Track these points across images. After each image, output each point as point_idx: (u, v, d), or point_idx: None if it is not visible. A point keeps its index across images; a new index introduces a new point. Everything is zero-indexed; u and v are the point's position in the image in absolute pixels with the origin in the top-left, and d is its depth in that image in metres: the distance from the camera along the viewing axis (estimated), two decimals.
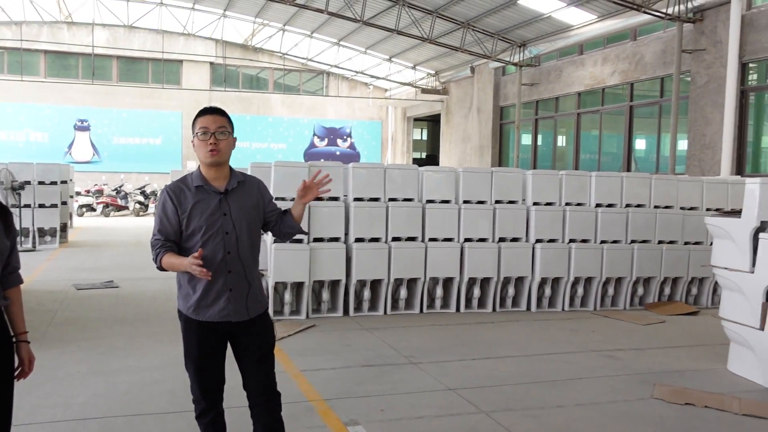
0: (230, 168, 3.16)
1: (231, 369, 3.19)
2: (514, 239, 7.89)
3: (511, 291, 7.86)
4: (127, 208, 22.51)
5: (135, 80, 26.97)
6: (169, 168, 23.42)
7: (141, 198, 22.79)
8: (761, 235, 5.27)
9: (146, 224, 18.73)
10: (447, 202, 7.77)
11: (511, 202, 7.98)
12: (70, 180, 15.14)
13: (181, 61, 27.19)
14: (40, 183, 12.69)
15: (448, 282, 7.75)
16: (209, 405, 3.17)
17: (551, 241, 7.95)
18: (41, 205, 12.59)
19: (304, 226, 6.92)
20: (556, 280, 8.01)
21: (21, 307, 2.71)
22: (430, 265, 7.51)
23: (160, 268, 3.04)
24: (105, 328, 6.53)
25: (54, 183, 12.86)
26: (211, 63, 27.65)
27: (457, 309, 7.72)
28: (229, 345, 3.21)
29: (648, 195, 8.46)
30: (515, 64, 19.82)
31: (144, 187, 23.84)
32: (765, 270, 5.17)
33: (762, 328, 5.16)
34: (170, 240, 3.04)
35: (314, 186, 3.17)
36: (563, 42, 17.84)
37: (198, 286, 3.02)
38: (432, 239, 7.60)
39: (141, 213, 22.33)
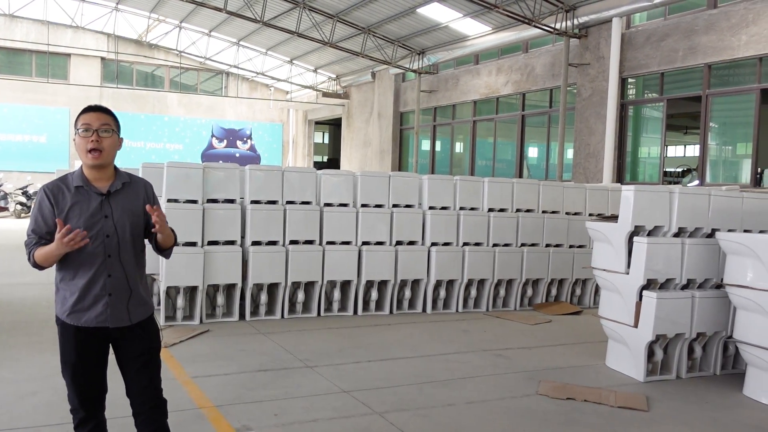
0: (115, 168, 3.04)
1: (115, 376, 3.06)
2: (411, 242, 8.04)
3: (407, 293, 8.00)
4: (7, 209, 21.03)
5: (16, 73, 25.30)
6: (54, 167, 21.98)
7: (23, 199, 21.36)
8: (635, 238, 5.66)
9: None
10: (345, 205, 7.81)
11: (408, 206, 8.13)
12: None
13: (69, 55, 25.78)
14: None
15: (345, 285, 7.79)
16: (88, 414, 3.04)
17: (446, 244, 8.17)
18: None
19: (198, 229, 6.78)
20: (450, 282, 8.23)
21: None
22: (328, 268, 7.52)
23: (35, 265, 2.89)
24: None
25: None
26: (102, 58, 26.39)
27: (355, 312, 7.77)
28: (112, 350, 3.09)
29: (537, 200, 8.87)
30: (414, 71, 20.22)
31: (26, 187, 22.31)
32: (638, 271, 5.56)
33: (635, 326, 5.54)
34: (43, 241, 2.90)
35: (160, 220, 2.93)
36: (460, 51, 18.39)
37: (74, 289, 2.90)
38: (330, 242, 7.61)
39: (23, 215, 20.93)
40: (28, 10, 24.13)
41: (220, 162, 27.12)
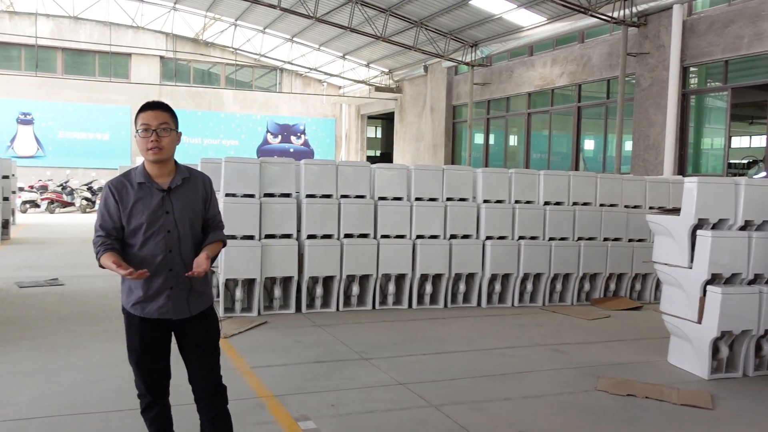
0: (175, 163, 3.12)
1: (179, 364, 3.16)
2: (465, 236, 8.00)
3: (462, 287, 7.97)
4: (73, 204, 21.89)
5: (81, 73, 26.23)
6: (117, 163, 22.80)
7: (88, 194, 22.19)
8: (698, 232, 5.48)
9: (92, 221, 18.23)
10: (399, 199, 7.83)
11: (462, 199, 8.09)
12: (12, 175, 14.65)
13: (129, 55, 26.57)
14: None
15: (400, 278, 7.81)
16: (154, 399, 3.17)
17: (501, 238, 8.09)
18: None
19: (255, 223, 6.92)
20: (505, 276, 8.15)
21: None
22: (383, 262, 7.56)
23: (101, 267, 3.00)
24: (49, 326, 6.36)
25: None
26: (161, 57, 27.10)
27: (409, 305, 7.78)
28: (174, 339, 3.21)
29: (594, 193, 8.69)
30: (467, 64, 20.06)
31: (91, 183, 23.20)
32: (702, 266, 5.38)
33: (699, 322, 5.38)
34: (111, 237, 3.00)
35: (196, 268, 2.96)
36: (514, 43, 18.14)
37: (138, 282, 2.98)
38: (384, 236, 7.64)
39: (88, 209, 21.74)
40: (92, 12, 24.98)
41: (275, 157, 27.57)
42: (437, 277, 7.91)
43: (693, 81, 13.69)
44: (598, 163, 16.38)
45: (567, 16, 15.93)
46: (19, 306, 7.20)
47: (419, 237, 7.77)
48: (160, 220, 2.98)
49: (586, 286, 8.49)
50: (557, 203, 8.46)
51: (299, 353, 5.66)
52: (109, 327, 6.34)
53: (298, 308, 7.38)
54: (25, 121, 25.22)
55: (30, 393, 4.46)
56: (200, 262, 2.98)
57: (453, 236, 7.93)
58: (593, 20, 14.82)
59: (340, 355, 5.66)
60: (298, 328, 6.63)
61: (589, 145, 17.35)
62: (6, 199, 13.14)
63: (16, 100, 24.88)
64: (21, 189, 20.43)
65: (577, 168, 16.63)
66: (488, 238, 8.03)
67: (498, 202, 8.20)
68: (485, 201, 8.13)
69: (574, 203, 8.56)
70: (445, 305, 7.93)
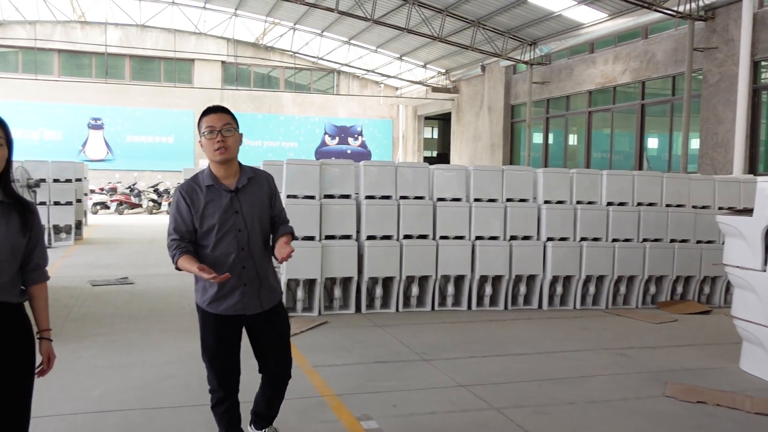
0: (239, 164, 3.24)
1: (248, 361, 3.25)
2: (526, 237, 7.90)
3: (522, 289, 7.88)
4: (140, 205, 22.69)
5: (147, 79, 27.16)
6: (181, 166, 23.58)
7: (154, 196, 22.96)
8: None
9: (159, 222, 18.87)
10: (458, 200, 7.80)
11: (522, 200, 8.00)
12: (84, 178, 15.28)
13: (192, 60, 27.34)
14: (55, 181, 12.82)
15: (459, 280, 7.78)
16: (226, 394, 3.31)
17: (562, 239, 7.96)
18: (56, 203, 12.72)
19: (315, 225, 7.02)
20: (567, 278, 8.01)
21: (46, 304, 2.72)
22: (442, 263, 7.55)
23: (177, 269, 3.11)
24: (120, 323, 6.62)
25: (69, 181, 12.98)
26: (223, 62, 27.78)
27: (469, 307, 7.74)
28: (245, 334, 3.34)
29: (660, 193, 8.45)
30: (526, 63, 19.80)
31: (157, 185, 24.02)
32: None
33: None
34: (185, 240, 3.12)
35: (286, 253, 3.06)
36: (574, 40, 17.80)
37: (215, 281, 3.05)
38: (443, 237, 7.63)
39: (154, 211, 22.49)
40: (157, 20, 25.83)
41: (333, 158, 27.74)
42: (497, 279, 7.84)
43: (765, 76, 13.13)
44: (663, 162, 15.90)
45: (630, 11, 15.53)
46: (93, 303, 7.52)
47: (478, 238, 7.72)
48: (231, 220, 3.10)
49: (652, 289, 8.26)
50: (621, 204, 8.27)
51: (360, 353, 5.72)
52: (176, 325, 6.54)
53: (358, 308, 7.44)
54: (96, 126, 26.28)
55: (105, 387, 4.65)
56: (283, 248, 3.08)
57: (513, 237, 7.85)
58: (658, 15, 14.40)
59: (400, 355, 5.68)
60: (358, 328, 6.69)
61: (653, 143, 16.86)
62: (79, 201, 13.73)
63: (87, 106, 25.95)
64: (92, 191, 21.31)
65: (640, 167, 16.18)
66: (549, 239, 7.91)
67: (559, 202, 8.07)
68: (546, 202, 8.02)
69: (639, 204, 8.34)
70: (505, 307, 7.86)
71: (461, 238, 7.69)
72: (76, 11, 24.97)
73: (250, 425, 3.60)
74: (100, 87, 25.72)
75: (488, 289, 7.75)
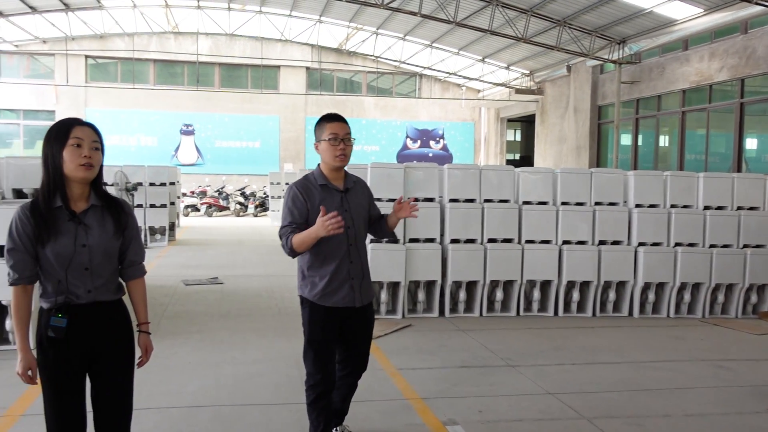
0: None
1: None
2: (615, 242, 7.64)
3: (611, 295, 7.61)
4: (228, 208, 23.48)
5: (235, 86, 28.08)
6: (267, 170, 24.22)
7: (241, 199, 23.71)
8: None
9: (246, 224, 19.48)
10: (544, 203, 7.63)
11: (611, 203, 7.73)
12: (177, 181, 15.97)
13: (278, 67, 28.06)
14: (151, 184, 13.47)
15: (545, 285, 7.61)
16: (327, 388, 3.41)
17: (655, 244, 7.64)
18: (152, 205, 13.35)
19: (400, 228, 7.04)
20: (660, 285, 7.68)
21: (143, 298, 2.85)
22: (527, 268, 7.40)
23: (291, 252, 3.26)
24: (211, 321, 6.86)
25: (163, 184, 13.61)
26: (307, 68, 28.36)
27: (555, 313, 7.56)
28: None
29: (762, 197, 7.97)
30: (614, 62, 19.16)
31: (244, 188, 24.79)
32: None
33: None
34: (299, 229, 3.31)
35: (407, 207, 3.44)
36: (666, 38, 17.06)
37: (324, 274, 3.34)
38: (529, 241, 7.49)
39: (241, 213, 23.22)
40: (245, 29, 26.68)
41: (415, 162, 27.79)
42: (585, 284, 7.61)
43: None
44: (764, 164, 14.99)
45: (727, 5, 14.74)
46: (186, 302, 7.83)
47: (566, 242, 7.53)
48: (342, 217, 3.22)
49: (753, 298, 7.79)
50: (719, 207, 7.85)
51: (444, 357, 5.68)
52: (264, 324, 6.72)
53: (441, 312, 7.41)
54: (187, 131, 27.42)
55: (198, 383, 4.83)
56: (403, 206, 3.43)
57: (602, 242, 7.61)
58: (759, 8, 13.59)
59: (485, 360, 5.61)
60: (442, 331, 6.66)
61: (752, 144, 15.92)
62: (172, 203, 14.36)
63: (179, 112, 27.11)
64: (183, 194, 22.24)
65: (739, 169, 15.31)
66: (641, 244, 7.61)
67: (651, 206, 7.75)
68: (637, 205, 7.72)
69: (739, 207, 7.90)
70: (593, 314, 7.62)
71: (548, 242, 7.52)
72: (170, 23, 26.15)
73: None
74: (192, 94, 26.81)
75: (575, 295, 7.53)
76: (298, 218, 3.31)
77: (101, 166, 2.66)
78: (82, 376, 2.66)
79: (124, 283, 2.81)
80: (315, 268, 3.35)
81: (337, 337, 3.44)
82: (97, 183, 2.67)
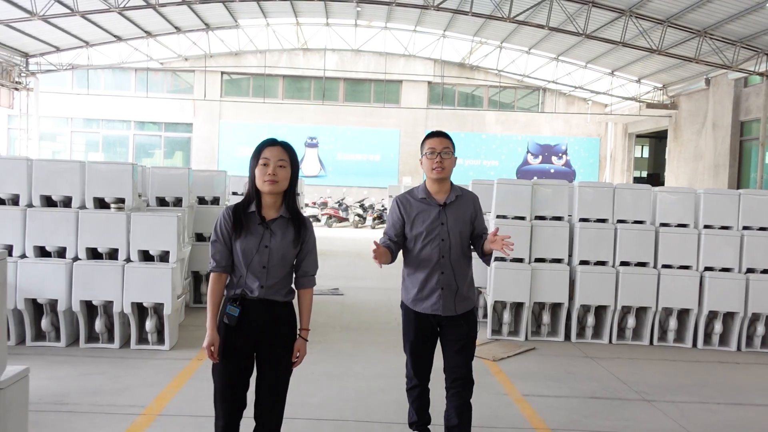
0: (451, 183, 3.70)
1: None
2: (765, 270, 6.96)
3: (760, 329, 6.93)
4: (347, 219, 23.96)
5: (358, 100, 28.72)
6: (386, 183, 24.52)
7: (360, 211, 24.13)
8: None
9: (364, 236, 19.75)
10: (684, 225, 7.11)
11: (762, 228, 7.07)
12: (300, 193, 16.48)
13: (400, 81, 28.40)
14: None
15: (683, 314, 7.06)
16: (419, 381, 3.76)
17: None
18: None
19: (525, 247, 6.81)
20: None
21: (308, 306, 3.19)
22: (663, 294, 6.91)
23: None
24: (333, 333, 6.93)
25: None
26: (429, 82, 28.50)
27: (694, 344, 6.99)
28: None
29: None
30: (761, 74, 17.72)
31: (363, 200, 25.22)
32: None
33: None
34: (392, 240, 3.62)
35: (500, 242, 3.38)
36: None
37: (415, 281, 3.60)
38: (666, 266, 6.99)
39: (359, 225, 23.61)
40: (370, 44, 27.28)
41: (535, 178, 27.15)
42: (729, 315, 6.99)
43: None
44: None
45: None
46: None
47: (708, 269, 6.95)
48: (437, 230, 3.56)
49: None
50: None
51: (572, 386, 5.38)
52: (385, 338, 6.69)
53: (567, 337, 7.06)
54: (312, 144, 28.33)
55: (321, 395, 4.86)
56: (499, 237, 3.41)
57: (750, 270, 6.96)
58: None
59: (617, 392, 5.25)
60: (568, 357, 6.33)
61: None
62: None
63: (305, 126, 28.09)
64: (306, 205, 22.95)
65: None
66: None
67: None
68: None
69: None
70: (738, 348, 6.96)
71: (687, 267, 6.98)
72: (299, 40, 27.22)
73: None
74: (317, 108, 27.71)
75: (718, 327, 6.93)
76: (392, 230, 3.62)
77: (292, 181, 3.03)
78: (248, 361, 3.06)
79: (296, 291, 3.17)
80: (410, 274, 3.65)
81: (434, 339, 3.68)
82: (288, 196, 3.05)
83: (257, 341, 3.03)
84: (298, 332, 3.14)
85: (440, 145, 3.57)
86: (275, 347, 3.06)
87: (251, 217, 3.03)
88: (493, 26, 22.58)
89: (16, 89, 23.52)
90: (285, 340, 3.08)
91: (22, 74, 23.51)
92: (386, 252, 3.44)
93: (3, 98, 23.31)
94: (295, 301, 3.16)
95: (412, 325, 3.65)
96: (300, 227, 3.07)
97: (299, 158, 23.61)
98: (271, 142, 3.03)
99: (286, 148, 3.04)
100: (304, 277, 3.15)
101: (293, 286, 3.15)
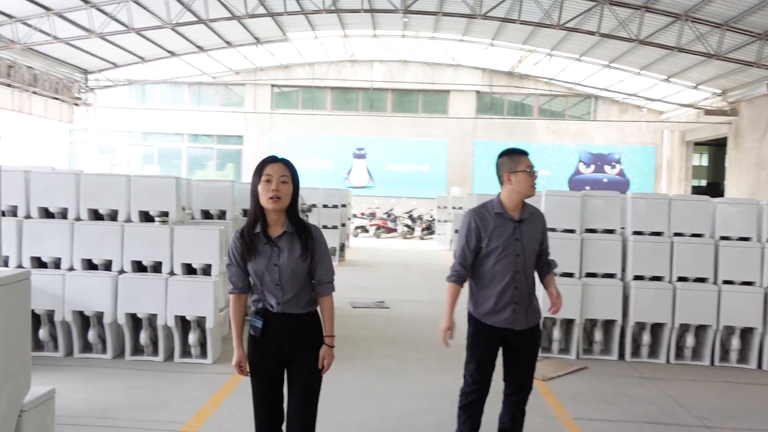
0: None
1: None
2: None
3: None
4: (395, 230, 23.85)
5: (406, 111, 28.66)
6: (434, 193, 24.34)
7: (408, 222, 23.99)
8: None
9: (412, 247, 19.59)
10: (747, 239, 6.73)
11: None
12: (348, 203, 16.47)
13: (448, 91, 28.22)
14: (324, 206, 13.97)
15: (746, 333, 6.66)
16: (480, 396, 3.67)
17: None
18: (325, 226, 13.82)
19: (575, 261, 6.56)
20: None
21: (329, 313, 3.20)
22: (725, 312, 6.53)
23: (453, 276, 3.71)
24: (377, 348, 6.80)
25: (336, 206, 14.07)
26: (477, 92, 28.23)
27: (759, 366, 6.57)
28: None
29: None
30: None
31: (411, 211, 25.08)
32: None
33: None
34: (465, 268, 3.66)
35: (556, 302, 3.67)
36: None
37: (489, 295, 3.60)
38: (727, 282, 6.61)
39: (407, 236, 23.46)
40: (417, 55, 27.22)
41: (587, 188, 26.53)
42: None
43: None
44: None
45: None
46: (352, 325, 7.88)
47: None
48: (512, 245, 3.59)
49: None
50: None
51: (626, 409, 5.11)
52: (430, 355, 6.53)
53: (621, 355, 6.75)
54: (360, 155, 28.39)
55: (362, 414, 4.73)
56: (559, 300, 3.64)
57: None
58: None
59: (675, 417, 4.96)
60: (622, 378, 6.04)
61: None
62: (343, 225, 14.79)
63: (353, 137, 28.18)
64: (354, 216, 22.95)
65: None
66: None
67: None
68: None
69: None
70: None
71: (750, 284, 6.60)
72: (347, 51, 27.37)
73: None
74: (365, 119, 27.78)
75: None
76: (470, 244, 3.60)
77: (294, 196, 3.05)
78: (278, 371, 3.12)
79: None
80: (482, 287, 3.63)
81: (500, 353, 3.67)
82: (291, 211, 3.07)
83: (283, 353, 3.08)
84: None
85: (531, 164, 3.69)
86: (301, 358, 3.10)
87: (258, 237, 3.06)
88: (543, 34, 22.20)
89: (76, 104, 24.37)
90: (310, 350, 3.11)
91: (82, 90, 24.34)
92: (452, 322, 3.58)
93: (64, 113, 24.22)
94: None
95: (482, 340, 3.66)
96: (307, 238, 3.08)
97: (347, 170, 23.74)
98: (272, 159, 3.08)
99: (287, 164, 3.07)
100: (320, 285, 3.17)
101: (313, 295, 3.17)
